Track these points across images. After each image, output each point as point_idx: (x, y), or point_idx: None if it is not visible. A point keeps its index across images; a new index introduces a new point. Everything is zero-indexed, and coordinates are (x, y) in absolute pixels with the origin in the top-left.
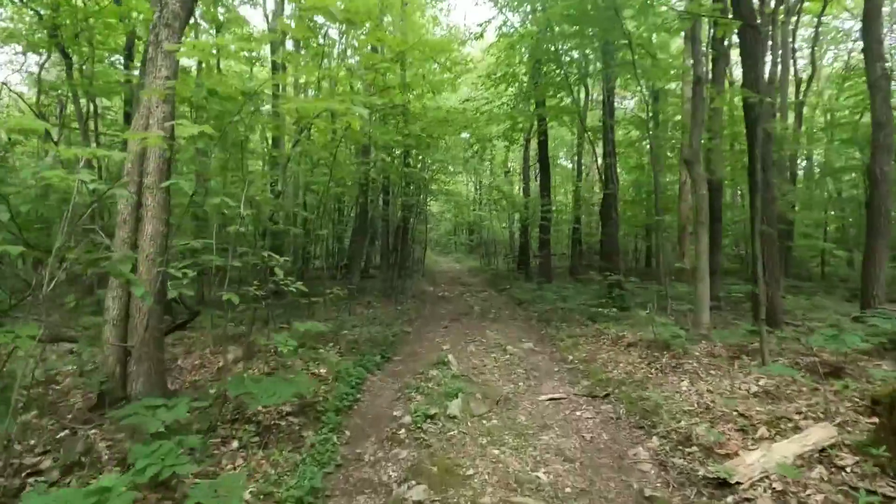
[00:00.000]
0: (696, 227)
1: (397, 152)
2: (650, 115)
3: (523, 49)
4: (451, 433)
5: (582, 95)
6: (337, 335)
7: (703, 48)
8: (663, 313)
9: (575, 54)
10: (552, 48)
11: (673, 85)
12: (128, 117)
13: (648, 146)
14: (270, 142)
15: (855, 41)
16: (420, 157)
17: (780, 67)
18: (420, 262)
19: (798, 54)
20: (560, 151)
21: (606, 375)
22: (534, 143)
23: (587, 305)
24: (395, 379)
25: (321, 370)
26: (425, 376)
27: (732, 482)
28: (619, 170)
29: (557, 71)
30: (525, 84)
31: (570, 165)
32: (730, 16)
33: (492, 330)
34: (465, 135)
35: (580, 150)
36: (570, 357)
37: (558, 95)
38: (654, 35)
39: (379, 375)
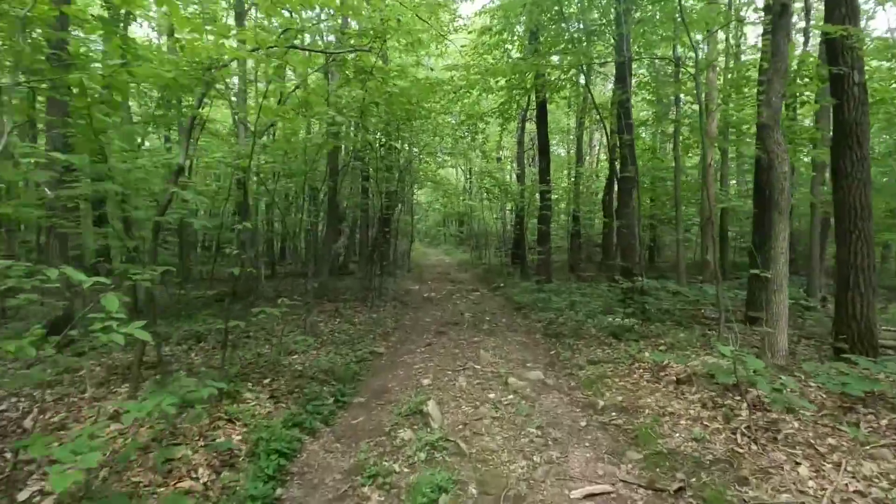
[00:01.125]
0: (771, 216)
1: (376, 133)
2: (693, 70)
3: (520, 11)
4: None
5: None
6: (276, 367)
7: None
8: (699, 326)
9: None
10: (556, 9)
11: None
12: None
13: (670, 123)
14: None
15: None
16: (402, 134)
17: None
18: (406, 257)
19: None
20: (553, 138)
21: (664, 443)
22: (529, 126)
23: (602, 313)
24: (347, 445)
25: (233, 434)
26: (392, 443)
27: None
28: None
29: (561, 34)
30: (523, 49)
31: (563, 153)
32: None
33: (487, 348)
34: (452, 119)
35: (580, 131)
36: (601, 402)
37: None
38: None
39: (325, 438)
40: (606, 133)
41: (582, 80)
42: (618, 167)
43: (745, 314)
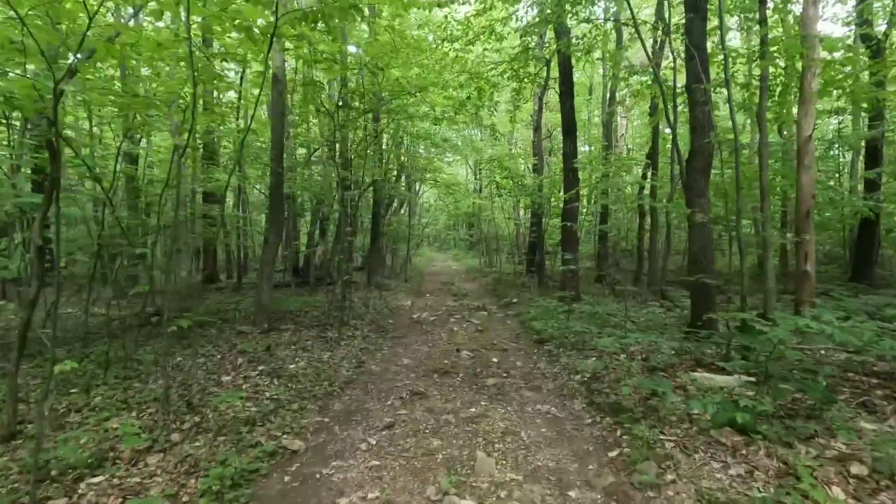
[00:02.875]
0: None
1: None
2: None
3: None
4: None
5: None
6: None
7: None
8: (887, 401)
9: None
10: None
11: None
12: None
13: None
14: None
15: None
16: (390, 109)
17: None
18: (403, 266)
19: None
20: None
21: None
22: (550, 117)
23: (676, 358)
24: None
25: None
26: None
27: None
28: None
29: None
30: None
31: (585, 150)
32: None
33: (492, 439)
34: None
35: (612, 106)
36: None
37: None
38: None
39: None
40: (663, 92)
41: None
42: (658, 149)
43: None
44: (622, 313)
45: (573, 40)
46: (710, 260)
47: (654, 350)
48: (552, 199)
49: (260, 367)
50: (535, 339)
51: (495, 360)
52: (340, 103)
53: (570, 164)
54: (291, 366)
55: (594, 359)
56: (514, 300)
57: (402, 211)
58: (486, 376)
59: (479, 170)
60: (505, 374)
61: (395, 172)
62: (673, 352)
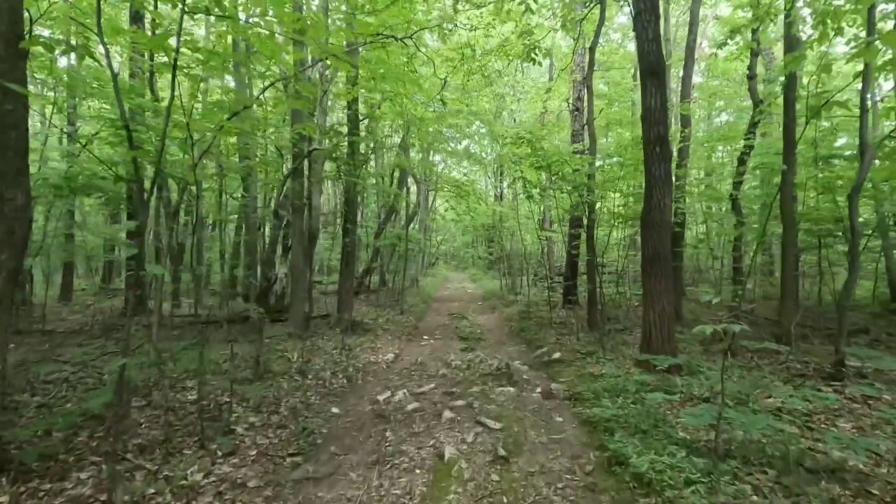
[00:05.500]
0: None
1: None
2: None
3: None
4: None
5: None
6: None
7: None
8: None
9: None
10: None
11: None
12: None
13: None
14: None
15: None
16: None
17: None
18: (401, 293)
19: None
20: (603, 102)
21: None
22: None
23: None
24: None
25: None
26: None
27: None
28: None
29: None
30: None
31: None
32: None
33: None
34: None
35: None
36: None
37: None
38: None
39: None
40: None
41: None
42: None
43: None
44: (804, 407)
45: None
46: None
47: None
48: (607, 196)
49: None
50: None
51: None
52: None
53: (658, 129)
54: None
55: None
56: (556, 354)
57: (414, 225)
58: None
59: (500, 157)
60: None
61: (391, 171)
62: None
